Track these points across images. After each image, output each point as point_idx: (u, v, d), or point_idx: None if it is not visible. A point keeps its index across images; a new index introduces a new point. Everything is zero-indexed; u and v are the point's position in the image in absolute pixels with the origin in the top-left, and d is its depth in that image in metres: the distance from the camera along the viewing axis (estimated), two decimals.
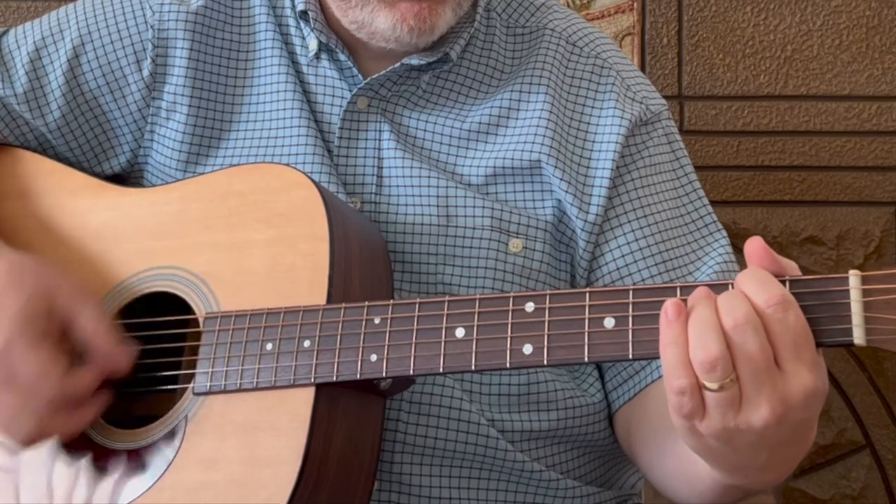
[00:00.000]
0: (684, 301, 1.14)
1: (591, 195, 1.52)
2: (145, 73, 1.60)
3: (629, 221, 1.52)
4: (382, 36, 1.50)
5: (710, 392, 1.11)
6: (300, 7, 1.57)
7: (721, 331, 1.11)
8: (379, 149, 1.55)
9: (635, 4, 2.36)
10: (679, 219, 1.54)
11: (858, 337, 1.11)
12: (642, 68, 2.39)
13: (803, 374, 1.11)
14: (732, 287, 1.14)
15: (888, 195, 2.43)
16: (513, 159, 1.53)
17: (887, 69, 2.41)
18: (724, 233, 1.55)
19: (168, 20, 1.59)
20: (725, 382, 1.10)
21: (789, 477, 2.43)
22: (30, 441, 1.38)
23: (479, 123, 1.55)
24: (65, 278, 1.43)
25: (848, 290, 1.11)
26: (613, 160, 1.52)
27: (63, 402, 1.37)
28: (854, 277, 1.11)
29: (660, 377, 1.48)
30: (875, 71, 2.42)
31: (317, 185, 1.41)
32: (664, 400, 1.17)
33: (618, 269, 1.51)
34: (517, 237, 1.51)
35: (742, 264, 1.18)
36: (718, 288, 1.15)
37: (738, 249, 1.25)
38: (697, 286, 1.16)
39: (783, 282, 1.14)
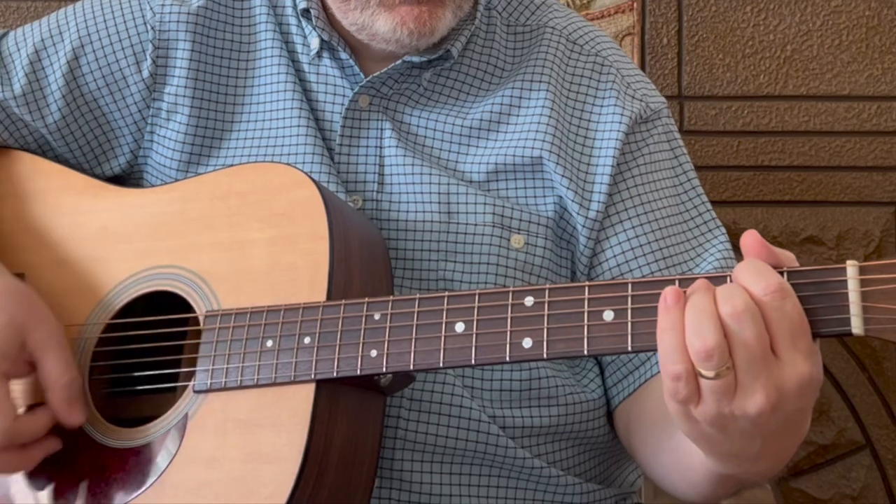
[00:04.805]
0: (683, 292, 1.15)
1: (591, 192, 1.52)
2: (145, 73, 1.60)
3: (629, 218, 1.53)
4: (383, 38, 1.51)
5: (705, 379, 1.11)
6: (302, 5, 1.57)
7: (718, 319, 1.11)
8: (380, 147, 1.55)
9: (635, 4, 2.37)
10: (679, 216, 1.55)
11: (857, 327, 1.11)
12: (642, 68, 2.39)
13: (799, 362, 1.12)
14: (731, 280, 1.15)
15: (888, 195, 2.43)
16: (514, 156, 1.53)
17: (887, 69, 2.42)
18: (724, 230, 1.55)
19: (168, 21, 1.60)
20: (721, 370, 1.10)
21: (788, 476, 2.43)
22: None
23: (481, 120, 1.56)
24: (48, 317, 1.43)
25: (846, 281, 1.11)
26: (614, 157, 1.53)
27: (10, 442, 1.37)
28: (852, 268, 1.11)
29: (658, 373, 1.48)
30: (875, 71, 2.42)
31: (316, 183, 1.41)
32: (661, 395, 1.17)
33: (618, 265, 1.52)
34: (519, 233, 1.51)
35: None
36: (717, 280, 1.16)
37: (737, 249, 1.25)
38: (696, 278, 1.16)
39: (781, 273, 1.14)
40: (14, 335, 1.39)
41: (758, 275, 1.12)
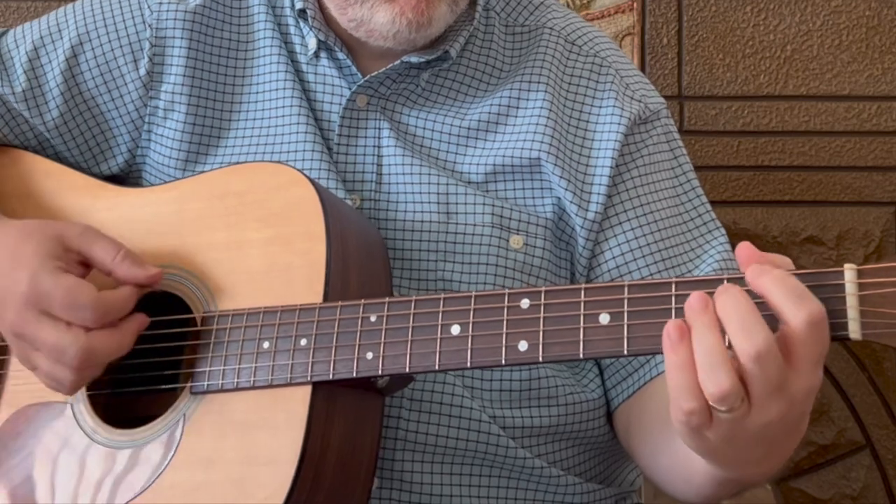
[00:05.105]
0: (683, 296, 1.13)
1: (590, 193, 1.52)
2: (142, 71, 1.60)
3: (629, 220, 1.52)
4: (381, 33, 1.51)
5: (720, 412, 1.10)
6: (298, 5, 1.57)
7: (728, 360, 1.08)
8: (378, 146, 1.55)
9: (635, 4, 2.36)
10: (678, 217, 1.55)
11: (854, 331, 1.09)
12: (642, 68, 2.39)
13: (813, 375, 1.11)
14: (727, 282, 1.13)
15: (888, 195, 2.43)
16: (513, 157, 1.53)
17: (887, 69, 2.41)
18: (723, 230, 1.55)
19: (166, 19, 1.60)
20: (736, 404, 1.09)
21: (789, 476, 2.43)
22: (80, 370, 1.37)
23: (479, 121, 1.56)
24: (71, 224, 1.45)
25: (843, 284, 1.10)
26: (613, 158, 1.53)
27: (102, 317, 1.37)
28: (850, 271, 1.10)
29: (658, 374, 1.48)
30: (875, 71, 2.41)
31: (313, 183, 1.41)
32: (661, 397, 1.17)
33: (617, 266, 1.51)
34: (517, 234, 1.51)
35: None
36: (714, 283, 1.14)
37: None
38: (694, 280, 1.15)
39: None
40: (55, 240, 1.41)
41: (799, 300, 1.09)
